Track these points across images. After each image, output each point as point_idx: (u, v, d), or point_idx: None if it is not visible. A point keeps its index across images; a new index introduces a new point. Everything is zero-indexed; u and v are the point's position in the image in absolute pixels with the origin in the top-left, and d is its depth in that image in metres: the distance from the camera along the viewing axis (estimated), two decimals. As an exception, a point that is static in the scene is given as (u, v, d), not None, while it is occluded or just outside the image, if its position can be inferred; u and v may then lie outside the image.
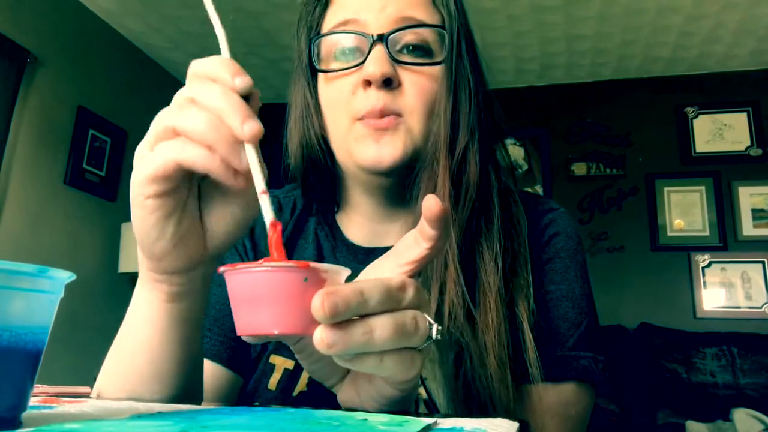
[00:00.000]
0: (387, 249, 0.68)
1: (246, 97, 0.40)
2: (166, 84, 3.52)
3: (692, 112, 3.44)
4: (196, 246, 0.44)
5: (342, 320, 0.34)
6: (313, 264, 0.35)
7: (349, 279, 0.68)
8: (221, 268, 0.36)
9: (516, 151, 3.63)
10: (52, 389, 0.48)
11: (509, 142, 3.62)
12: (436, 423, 0.34)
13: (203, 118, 0.38)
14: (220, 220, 0.45)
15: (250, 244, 0.72)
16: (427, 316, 0.38)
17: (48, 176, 2.72)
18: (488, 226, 0.63)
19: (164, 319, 0.47)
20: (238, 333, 0.36)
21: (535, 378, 0.59)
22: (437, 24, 0.64)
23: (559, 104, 3.64)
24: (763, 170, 3.28)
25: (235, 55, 0.42)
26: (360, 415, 0.36)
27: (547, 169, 3.57)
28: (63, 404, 0.40)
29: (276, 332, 0.35)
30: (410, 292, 0.37)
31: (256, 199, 0.40)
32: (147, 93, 3.33)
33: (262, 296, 0.34)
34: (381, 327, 0.35)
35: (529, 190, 3.05)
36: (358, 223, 0.73)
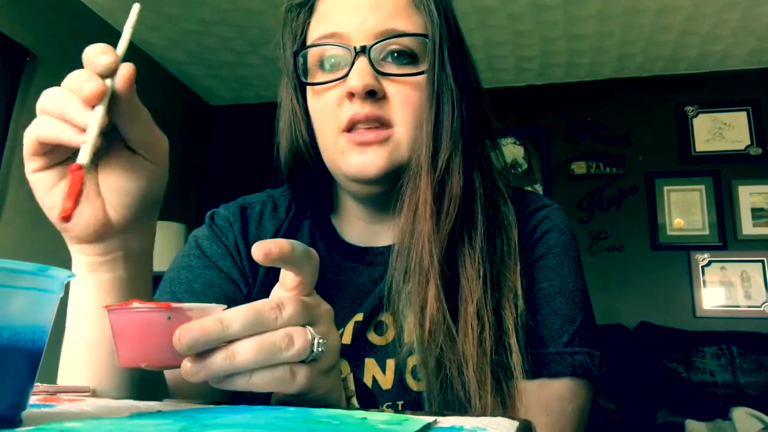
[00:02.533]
0: (382, 248, 0.69)
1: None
2: (165, 82, 3.52)
3: (692, 111, 3.44)
4: (93, 217, 0.48)
5: (207, 349, 0.37)
6: (175, 304, 0.38)
7: (345, 276, 0.69)
8: (103, 306, 0.40)
9: (516, 150, 3.63)
10: (51, 388, 0.48)
11: (509, 141, 3.63)
12: (435, 422, 0.34)
13: (57, 94, 0.44)
14: (117, 194, 0.48)
15: (243, 244, 0.72)
16: (308, 329, 0.40)
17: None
18: (471, 234, 0.63)
19: (90, 289, 0.50)
20: (117, 364, 0.39)
21: (519, 385, 0.59)
22: (419, 33, 0.63)
23: (559, 103, 3.64)
24: (762, 169, 3.28)
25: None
26: (359, 414, 0.36)
27: (547, 168, 3.57)
28: (63, 403, 0.40)
29: (144, 365, 0.38)
30: (287, 310, 0.40)
31: (157, 175, 0.48)
32: (146, 91, 3.32)
33: (131, 334, 0.38)
34: (243, 350, 0.38)
35: (529, 188, 3.05)
36: (351, 223, 0.73)
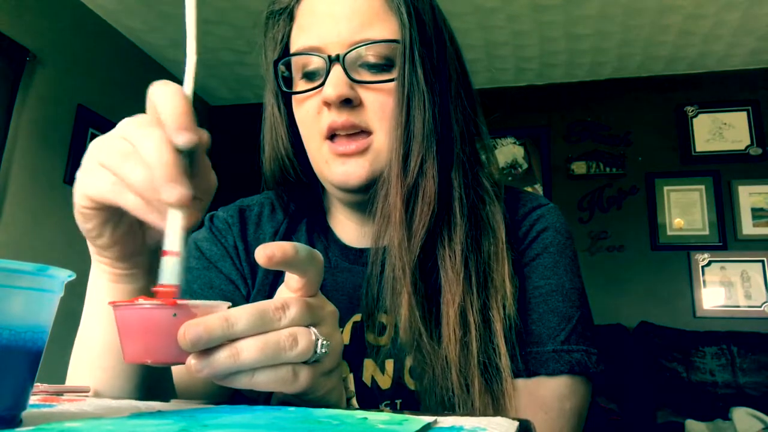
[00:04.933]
0: (378, 248, 0.69)
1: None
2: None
3: (692, 111, 3.44)
4: (134, 243, 0.48)
5: (211, 347, 0.37)
6: (181, 301, 0.38)
7: (342, 277, 0.69)
8: (109, 303, 0.39)
9: (516, 150, 3.63)
10: (51, 388, 0.48)
11: (509, 141, 3.63)
12: (435, 422, 0.34)
13: (141, 176, 0.39)
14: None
15: (242, 245, 0.72)
16: (312, 330, 0.40)
17: (48, 175, 2.72)
18: (451, 235, 0.63)
19: (109, 297, 0.49)
20: (123, 360, 0.39)
21: (507, 386, 0.59)
22: (390, 39, 0.63)
23: (558, 103, 3.64)
24: (762, 169, 3.28)
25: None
26: (359, 414, 0.36)
27: (547, 168, 3.57)
28: (63, 403, 0.40)
29: (149, 361, 0.38)
30: (292, 311, 0.40)
31: (201, 207, 0.44)
32: (146, 91, 3.32)
33: (135, 330, 0.38)
34: (247, 348, 0.38)
35: (529, 189, 3.05)
36: (346, 225, 0.73)
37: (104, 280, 0.49)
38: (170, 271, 0.40)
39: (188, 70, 0.43)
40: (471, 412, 0.57)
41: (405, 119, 0.62)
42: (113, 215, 0.45)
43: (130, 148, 0.40)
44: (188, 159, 0.41)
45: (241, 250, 0.72)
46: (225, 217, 0.74)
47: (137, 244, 0.48)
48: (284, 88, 0.68)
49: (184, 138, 0.39)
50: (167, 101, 0.40)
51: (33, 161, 2.64)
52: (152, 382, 0.54)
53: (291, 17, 0.69)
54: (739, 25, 3.01)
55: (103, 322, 0.50)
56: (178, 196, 0.38)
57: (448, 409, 0.58)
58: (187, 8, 0.42)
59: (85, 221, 0.45)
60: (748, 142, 3.34)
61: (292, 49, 0.67)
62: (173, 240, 0.40)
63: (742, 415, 2.50)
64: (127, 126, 0.42)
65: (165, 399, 0.48)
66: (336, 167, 0.64)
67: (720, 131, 3.39)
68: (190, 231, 0.47)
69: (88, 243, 0.48)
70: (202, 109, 4.06)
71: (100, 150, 0.42)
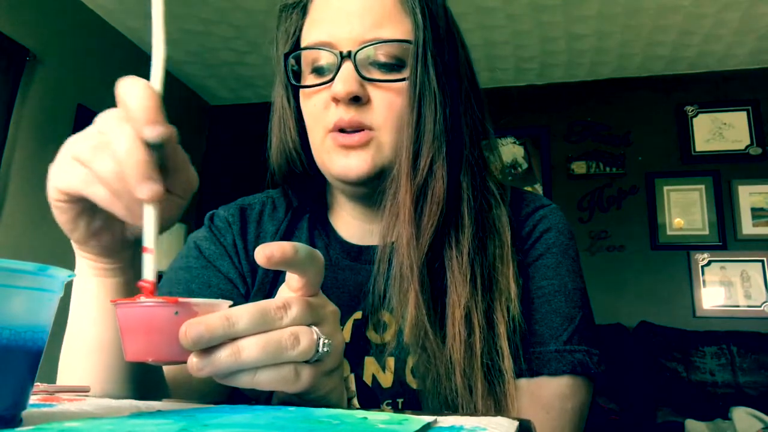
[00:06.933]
0: (385, 246, 0.69)
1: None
2: (165, 82, 3.51)
3: (692, 110, 3.44)
4: (112, 237, 0.47)
5: (212, 345, 0.37)
6: (182, 299, 0.38)
7: (343, 275, 0.69)
8: (111, 300, 0.40)
9: (516, 150, 3.63)
10: (51, 388, 0.48)
11: (509, 141, 3.63)
12: (435, 421, 0.34)
13: (111, 169, 0.39)
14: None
15: (242, 244, 0.72)
16: (314, 330, 0.40)
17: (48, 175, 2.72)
18: (459, 236, 0.63)
19: (94, 292, 0.50)
20: (125, 358, 0.39)
21: (510, 388, 0.59)
22: (403, 39, 0.63)
23: (559, 103, 3.64)
24: (762, 169, 3.28)
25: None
26: (359, 414, 0.36)
27: (547, 168, 3.57)
28: (63, 402, 0.40)
29: (150, 360, 0.38)
30: (293, 310, 0.40)
31: (182, 206, 0.43)
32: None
33: (137, 328, 0.38)
34: (248, 347, 0.38)
35: (529, 188, 3.05)
36: (347, 222, 0.74)
37: (89, 275, 0.50)
38: (146, 267, 0.40)
39: (155, 64, 0.42)
40: (473, 413, 0.57)
41: (416, 118, 0.63)
42: (86, 208, 0.45)
43: (104, 141, 0.40)
44: (159, 154, 0.40)
45: (241, 248, 0.72)
46: (225, 216, 0.74)
47: (116, 238, 0.48)
48: (293, 81, 0.68)
49: (153, 132, 0.39)
50: (134, 96, 0.39)
51: (33, 161, 2.64)
52: (145, 381, 0.54)
53: (304, 11, 0.70)
54: (739, 25, 3.01)
55: (92, 318, 0.51)
56: (150, 191, 0.38)
57: (451, 410, 0.58)
58: (153, 1, 0.42)
59: (59, 214, 0.45)
60: (748, 142, 3.34)
61: (303, 43, 0.68)
62: (148, 236, 0.40)
63: (742, 415, 2.50)
64: (102, 120, 0.42)
65: (157, 398, 0.48)
66: (338, 159, 0.64)
67: (720, 131, 3.39)
68: (167, 227, 0.47)
69: (72, 241, 0.48)
70: (202, 109, 4.06)
71: (74, 144, 0.42)
